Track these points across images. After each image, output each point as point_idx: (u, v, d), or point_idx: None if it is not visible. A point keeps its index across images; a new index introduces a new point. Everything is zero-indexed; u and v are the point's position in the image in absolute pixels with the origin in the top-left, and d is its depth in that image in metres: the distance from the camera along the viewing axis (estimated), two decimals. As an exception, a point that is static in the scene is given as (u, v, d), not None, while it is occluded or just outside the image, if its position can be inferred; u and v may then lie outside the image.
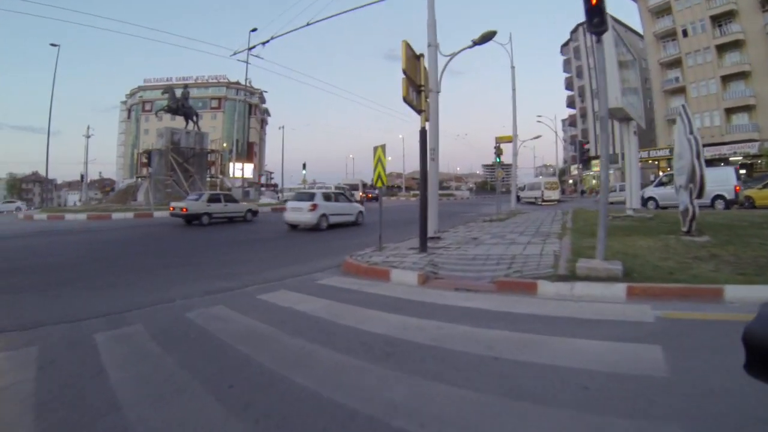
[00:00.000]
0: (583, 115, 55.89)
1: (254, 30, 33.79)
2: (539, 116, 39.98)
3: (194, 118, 33.73)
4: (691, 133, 8.54)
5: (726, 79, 34.18)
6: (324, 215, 14.24)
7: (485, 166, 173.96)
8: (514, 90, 22.50)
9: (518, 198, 41.39)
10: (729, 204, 17.90)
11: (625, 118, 12.80)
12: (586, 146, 17.39)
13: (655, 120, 41.47)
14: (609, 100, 12.67)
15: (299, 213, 14.21)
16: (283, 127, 50.72)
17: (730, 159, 32.97)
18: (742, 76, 33.50)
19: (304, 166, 39.66)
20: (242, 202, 21.26)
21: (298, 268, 7.48)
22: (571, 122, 62.76)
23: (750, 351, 0.88)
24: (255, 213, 20.25)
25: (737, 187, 18.10)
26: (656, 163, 41.03)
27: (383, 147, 8.48)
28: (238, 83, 79.93)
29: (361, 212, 16.66)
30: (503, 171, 18.39)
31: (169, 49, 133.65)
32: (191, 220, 16.91)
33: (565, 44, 60.58)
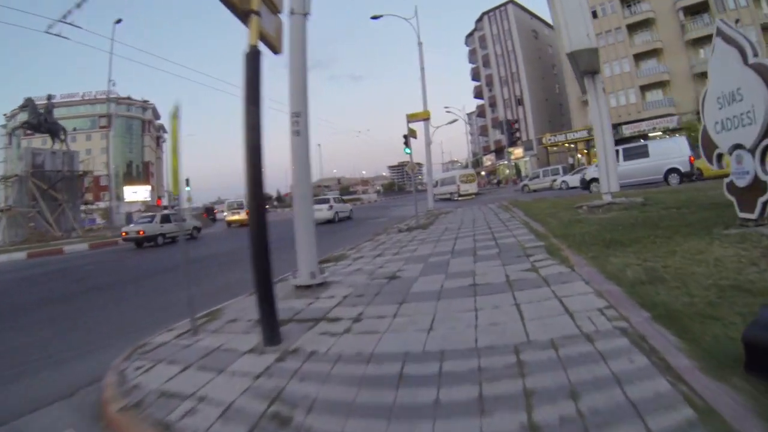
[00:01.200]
0: (492, 105, 54.66)
1: (119, 21, 29.14)
2: (447, 107, 37.28)
3: (61, 136, 27.89)
4: (756, 55, 4.91)
5: (638, 57, 33.96)
6: (336, 212, 19.63)
7: (391, 167, 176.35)
8: (422, 69, 19.10)
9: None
10: (683, 177, 15.77)
11: (591, 71, 9.34)
12: (516, 125, 14.55)
13: (569, 103, 40.98)
14: (580, 37, 9.20)
15: (320, 212, 18.06)
16: (163, 136, 43.58)
17: (649, 134, 32.61)
18: (654, 53, 33.42)
19: (188, 182, 34.51)
20: (189, 221, 20.65)
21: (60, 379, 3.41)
22: (479, 113, 61.22)
23: (750, 351, 0.96)
24: (199, 230, 20.68)
25: (692, 158, 15.93)
26: (573, 145, 40.41)
27: (176, 111, 3.71)
28: (128, 98, 71.15)
29: (351, 209, 22.50)
30: (415, 165, 14.81)
31: (53, 65, 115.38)
32: (144, 242, 16.80)
33: (470, 34, 59.20)
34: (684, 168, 15.84)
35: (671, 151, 16.22)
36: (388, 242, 8.47)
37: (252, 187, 3.17)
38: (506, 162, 51.85)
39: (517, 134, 16.55)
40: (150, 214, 21.13)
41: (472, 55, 59.14)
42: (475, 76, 58.87)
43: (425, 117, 13.27)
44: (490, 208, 14.01)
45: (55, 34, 16.18)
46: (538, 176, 29.39)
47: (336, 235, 12.73)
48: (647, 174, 16.50)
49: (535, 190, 27.90)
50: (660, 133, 31.91)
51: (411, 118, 12.70)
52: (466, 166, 56.59)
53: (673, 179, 15.99)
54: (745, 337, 1.01)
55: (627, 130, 33.57)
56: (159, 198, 68.63)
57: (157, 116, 79.60)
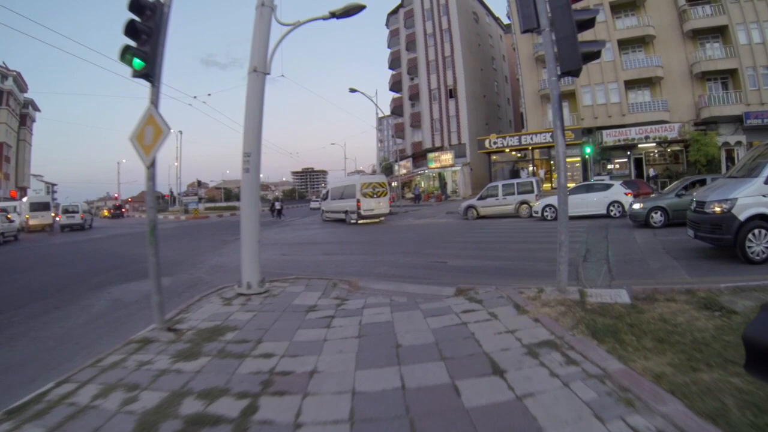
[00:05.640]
0: (414, 97, 43.71)
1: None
2: (353, 89, 25.58)
3: None
4: None
5: (623, 45, 26.80)
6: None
7: (294, 173, 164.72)
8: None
9: (321, 212, 25.35)
10: None
11: None
12: None
13: (523, 96, 32.56)
14: None
15: None
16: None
17: (639, 145, 25.45)
18: (642, 42, 26.57)
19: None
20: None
21: None
22: (395, 107, 48.87)
23: (750, 351, 0.88)
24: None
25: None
26: (521, 154, 31.69)
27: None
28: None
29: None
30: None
31: None
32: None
33: (394, 12, 48.15)
34: None
35: None
36: None
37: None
38: (424, 171, 41.08)
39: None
40: None
41: (392, 37, 47.80)
42: (394, 63, 47.60)
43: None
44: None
45: None
46: (494, 193, 17.90)
47: None
48: None
49: (483, 216, 17.53)
50: (654, 144, 24.81)
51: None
52: (374, 173, 43.56)
53: None
54: (746, 337, 0.90)
55: (609, 137, 25.89)
56: (20, 188, 49.33)
57: (23, 89, 56.15)
